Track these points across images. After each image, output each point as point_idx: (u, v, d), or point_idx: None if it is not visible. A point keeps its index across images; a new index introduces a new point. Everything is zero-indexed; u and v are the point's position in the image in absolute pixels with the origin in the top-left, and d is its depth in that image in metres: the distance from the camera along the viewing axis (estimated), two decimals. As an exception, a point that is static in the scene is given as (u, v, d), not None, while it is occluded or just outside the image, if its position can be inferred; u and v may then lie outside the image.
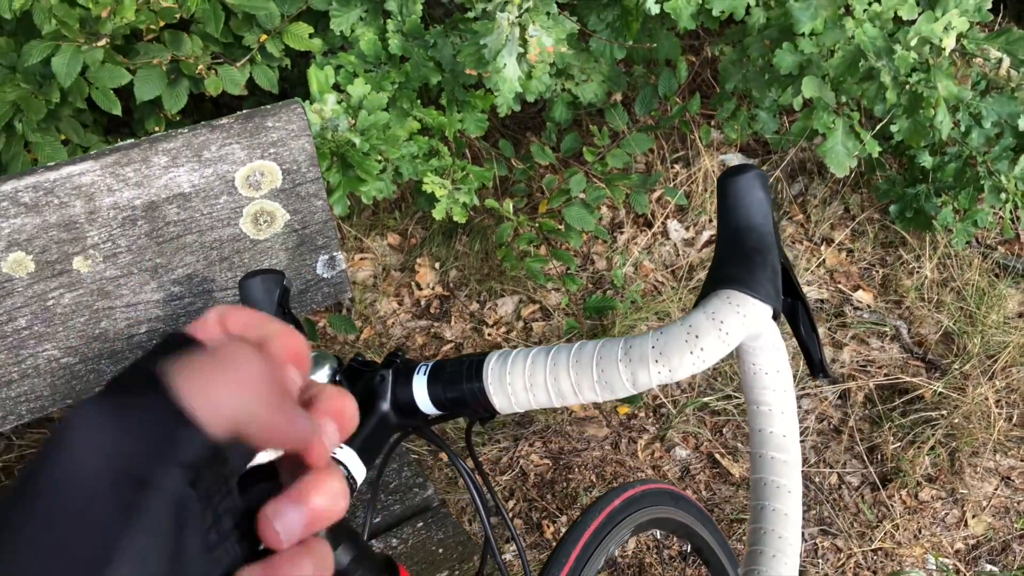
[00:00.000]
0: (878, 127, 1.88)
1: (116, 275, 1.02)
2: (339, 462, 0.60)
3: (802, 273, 2.13)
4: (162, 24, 1.78)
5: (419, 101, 2.05)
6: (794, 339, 0.65)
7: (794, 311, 0.66)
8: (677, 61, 2.20)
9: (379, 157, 1.73)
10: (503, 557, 0.92)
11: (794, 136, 1.87)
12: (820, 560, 1.57)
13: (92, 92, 1.77)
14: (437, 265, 2.21)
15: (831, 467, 1.73)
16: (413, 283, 2.18)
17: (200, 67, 1.90)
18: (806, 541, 1.60)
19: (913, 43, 1.57)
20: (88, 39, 1.66)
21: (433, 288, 2.17)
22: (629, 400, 1.69)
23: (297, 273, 1.15)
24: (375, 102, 1.77)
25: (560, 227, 2.08)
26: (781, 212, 2.30)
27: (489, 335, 2.05)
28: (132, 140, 1.02)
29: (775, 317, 0.61)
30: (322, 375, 0.67)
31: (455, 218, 1.96)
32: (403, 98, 1.98)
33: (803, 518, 1.60)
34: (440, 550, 1.11)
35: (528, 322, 2.08)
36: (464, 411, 0.64)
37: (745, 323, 0.57)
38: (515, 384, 0.60)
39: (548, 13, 1.72)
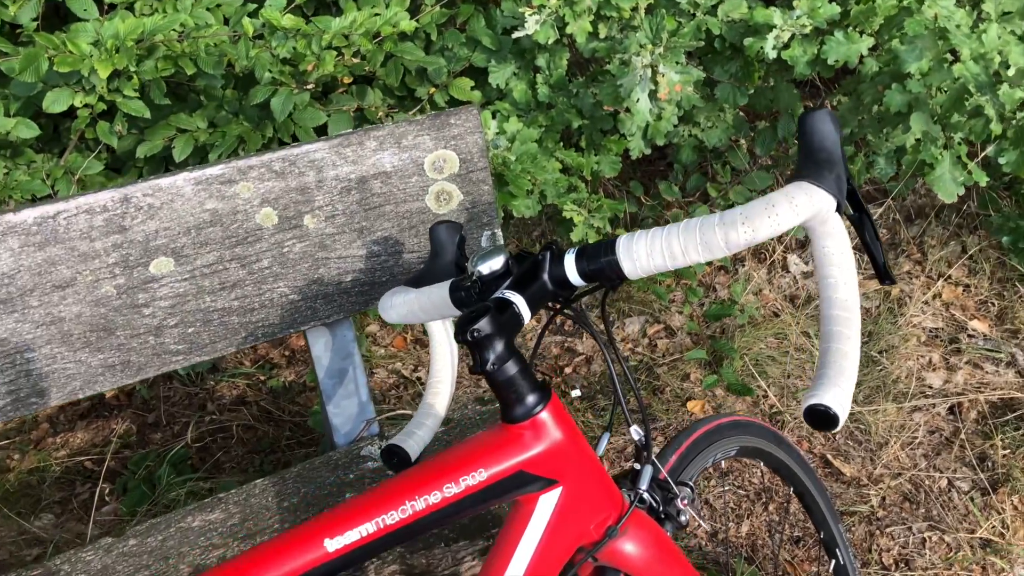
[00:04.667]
0: (984, 158, 2.01)
1: (333, 232, 1.33)
2: (512, 302, 0.85)
3: (918, 304, 2.25)
4: (351, 80, 2.16)
5: (561, 144, 2.34)
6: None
7: (860, 222, 0.87)
8: (796, 109, 2.41)
9: (529, 178, 2.02)
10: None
11: (905, 168, 2.03)
12: (928, 551, 1.67)
13: (296, 130, 2.17)
14: (572, 289, 2.46)
15: (940, 472, 1.82)
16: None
17: (380, 114, 2.27)
18: (914, 535, 1.70)
19: (1022, 82, 1.73)
20: (299, 85, 2.05)
21: (567, 309, 2.42)
22: (743, 393, 1.85)
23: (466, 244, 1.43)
24: (527, 135, 2.08)
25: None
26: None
27: (617, 349, 2.27)
28: (351, 129, 1.34)
29: (839, 209, 0.82)
30: (498, 261, 0.92)
31: (589, 242, 2.22)
32: (548, 139, 2.28)
33: (911, 514, 1.70)
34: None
35: (653, 339, 2.29)
36: (600, 278, 0.87)
37: (812, 202, 0.79)
38: (639, 252, 0.84)
39: (677, 62, 1.99)
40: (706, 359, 2.11)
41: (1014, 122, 1.87)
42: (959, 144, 1.99)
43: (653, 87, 1.94)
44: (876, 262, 0.89)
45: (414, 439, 1.02)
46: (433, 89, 2.33)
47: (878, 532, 1.71)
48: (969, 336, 2.16)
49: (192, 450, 1.97)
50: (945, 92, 1.94)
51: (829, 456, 1.88)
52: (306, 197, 1.30)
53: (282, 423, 2.13)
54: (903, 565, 1.65)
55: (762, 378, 2.07)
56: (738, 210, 0.79)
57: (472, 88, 2.31)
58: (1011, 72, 1.76)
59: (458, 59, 2.33)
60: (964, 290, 2.30)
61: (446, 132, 1.36)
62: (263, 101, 2.01)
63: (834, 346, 0.83)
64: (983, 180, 1.93)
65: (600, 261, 0.85)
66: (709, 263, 2.45)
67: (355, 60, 2.19)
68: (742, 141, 2.58)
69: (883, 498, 1.78)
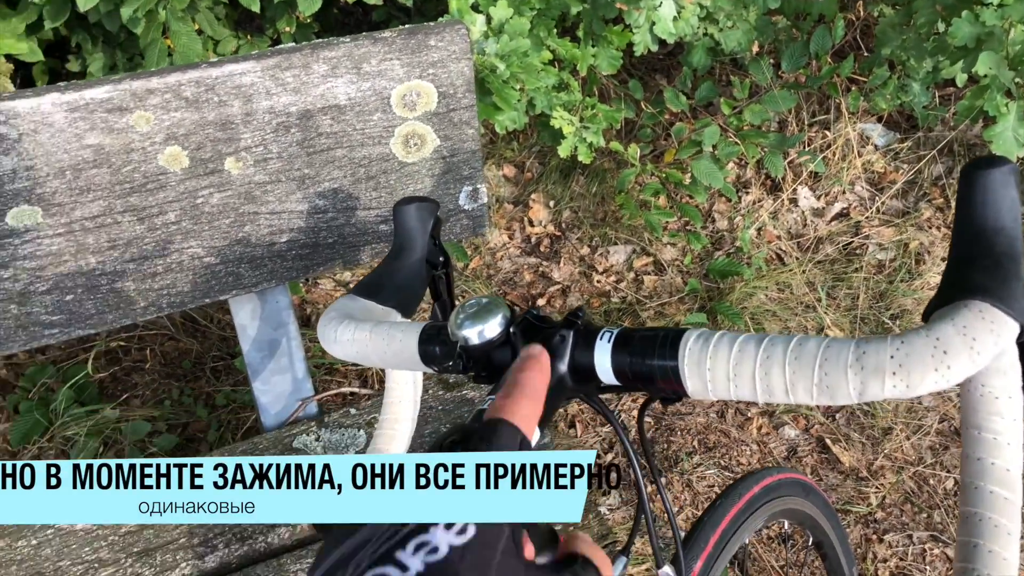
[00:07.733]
0: None
1: (264, 180, 1.00)
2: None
3: (937, 261, 2.00)
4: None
5: (555, 31, 1.96)
6: None
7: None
8: (833, 17, 2.05)
9: (517, 86, 1.67)
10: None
11: (959, 116, 1.72)
12: (927, 567, 1.50)
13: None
14: (551, 203, 2.15)
15: (948, 471, 1.63)
16: (526, 218, 2.13)
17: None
18: (915, 545, 1.53)
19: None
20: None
21: (545, 226, 2.12)
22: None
23: (439, 201, 1.11)
24: (518, 27, 1.69)
25: (686, 180, 1.99)
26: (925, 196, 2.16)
27: (598, 282, 2.00)
28: (293, 44, 0.98)
29: (1019, 336, 0.54)
30: (494, 325, 0.62)
31: (580, 158, 1.89)
32: (540, 26, 1.90)
33: (912, 519, 1.52)
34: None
35: (640, 274, 2.02)
36: (648, 387, 0.58)
37: (998, 342, 0.50)
38: (716, 370, 0.54)
39: (712, -49, 1.61)
40: (704, 321, 1.85)
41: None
42: (1028, 92, 1.68)
43: (682, -13, 1.57)
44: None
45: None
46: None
47: (875, 538, 1.53)
48: (990, 305, 1.93)
49: (101, 362, 1.68)
50: (1021, 28, 1.61)
51: (828, 440, 1.67)
52: (228, 134, 0.96)
53: (208, 335, 1.84)
54: (897, 578, 1.49)
55: (758, 334, 1.83)
56: (888, 348, 0.50)
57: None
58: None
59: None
60: (988, 247, 2.06)
61: (423, 57, 1.01)
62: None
63: (987, 547, 0.56)
64: (1050, 139, 1.64)
65: (652, 364, 0.56)
66: (711, 187, 2.15)
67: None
68: (756, 50, 2.23)
69: (883, 497, 1.59)
